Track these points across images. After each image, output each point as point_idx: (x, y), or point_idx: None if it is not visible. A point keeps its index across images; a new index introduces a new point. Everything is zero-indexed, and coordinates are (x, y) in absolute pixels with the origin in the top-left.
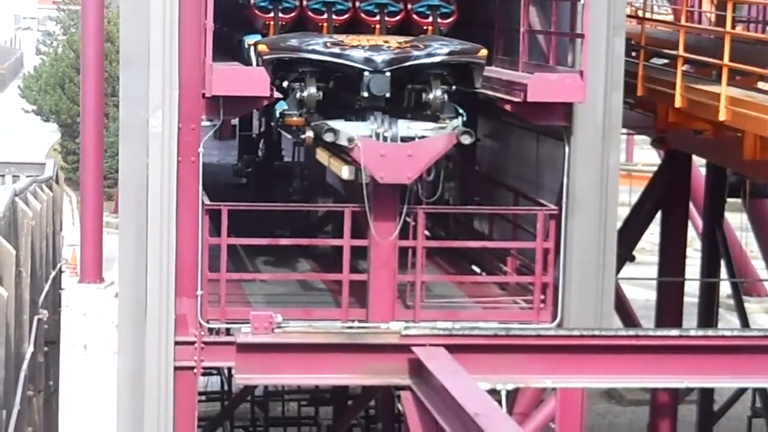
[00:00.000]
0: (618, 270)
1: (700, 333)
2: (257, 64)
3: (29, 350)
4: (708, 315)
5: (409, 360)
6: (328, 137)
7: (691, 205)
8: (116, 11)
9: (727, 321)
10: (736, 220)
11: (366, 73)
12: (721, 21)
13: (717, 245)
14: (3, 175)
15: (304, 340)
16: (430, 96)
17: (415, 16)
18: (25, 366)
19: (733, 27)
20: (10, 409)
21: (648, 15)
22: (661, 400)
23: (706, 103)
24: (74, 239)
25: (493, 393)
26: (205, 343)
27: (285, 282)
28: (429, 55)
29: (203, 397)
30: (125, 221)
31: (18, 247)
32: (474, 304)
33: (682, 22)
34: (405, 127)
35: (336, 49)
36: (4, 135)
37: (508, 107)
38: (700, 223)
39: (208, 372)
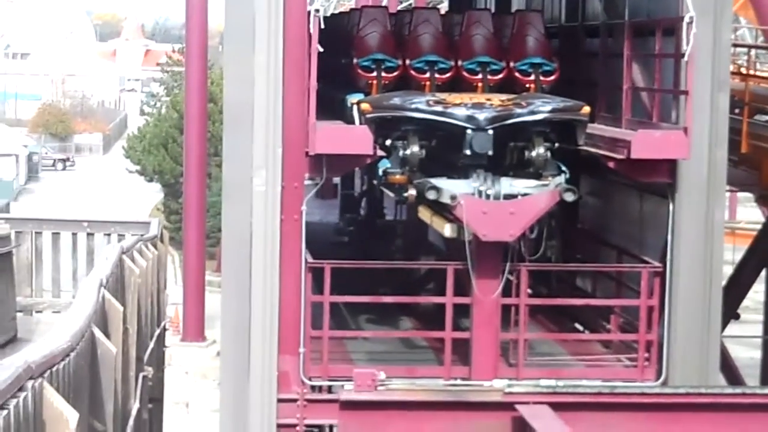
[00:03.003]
0: (723, 328)
1: None
2: (360, 123)
3: (135, 407)
4: None
5: (512, 418)
6: (431, 195)
7: None
8: (219, 72)
9: None
10: None
11: (468, 131)
12: None
13: None
14: (109, 234)
15: (407, 397)
16: (533, 153)
17: (517, 74)
18: (131, 422)
19: None
20: None
21: (752, 72)
22: None
23: None
24: (177, 298)
25: None
26: (308, 400)
27: (387, 339)
28: (532, 112)
29: None
30: (228, 279)
31: (125, 304)
32: (577, 361)
33: None
34: (508, 184)
35: (438, 108)
36: (109, 195)
37: (611, 164)
38: None
39: (310, 430)
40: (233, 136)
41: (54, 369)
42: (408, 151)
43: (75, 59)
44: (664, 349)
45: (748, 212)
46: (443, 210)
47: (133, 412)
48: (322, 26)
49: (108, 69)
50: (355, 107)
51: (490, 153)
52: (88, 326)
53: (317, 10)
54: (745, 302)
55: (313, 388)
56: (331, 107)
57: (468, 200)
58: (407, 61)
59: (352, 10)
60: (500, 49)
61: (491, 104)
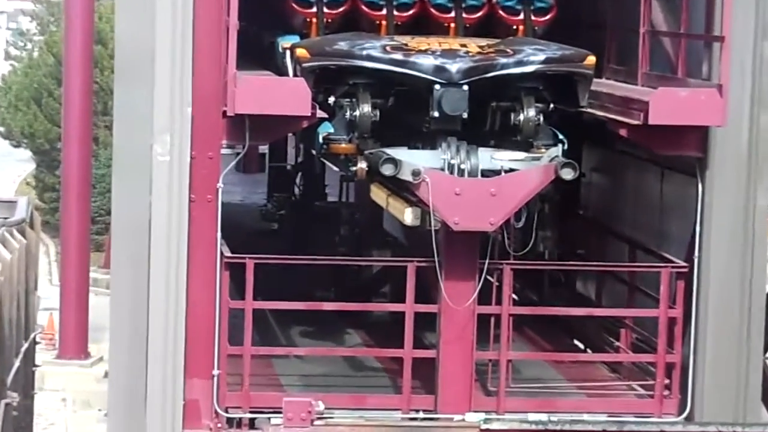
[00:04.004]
0: (766, 347)
1: None
2: (295, 74)
3: None
4: None
5: None
6: (387, 170)
7: None
8: (110, 4)
9: None
10: None
11: (437, 87)
12: None
13: None
14: None
15: None
16: (521, 117)
17: (501, 12)
18: None
19: None
20: None
21: None
22: None
23: None
24: (52, 302)
25: None
26: None
27: (328, 359)
28: (520, 63)
29: None
30: (119, 278)
31: None
32: (576, 389)
33: None
34: (487, 157)
35: (398, 55)
36: None
37: (623, 132)
38: None
39: None
40: (127, 90)
41: None
42: (357, 112)
43: None
44: (689, 375)
45: None
46: (403, 190)
47: None
48: None
49: None
50: (288, 53)
51: (465, 115)
52: None
53: None
54: None
55: (230, 422)
56: (258, 53)
57: (435, 177)
58: None
59: None
60: None
61: (467, 51)
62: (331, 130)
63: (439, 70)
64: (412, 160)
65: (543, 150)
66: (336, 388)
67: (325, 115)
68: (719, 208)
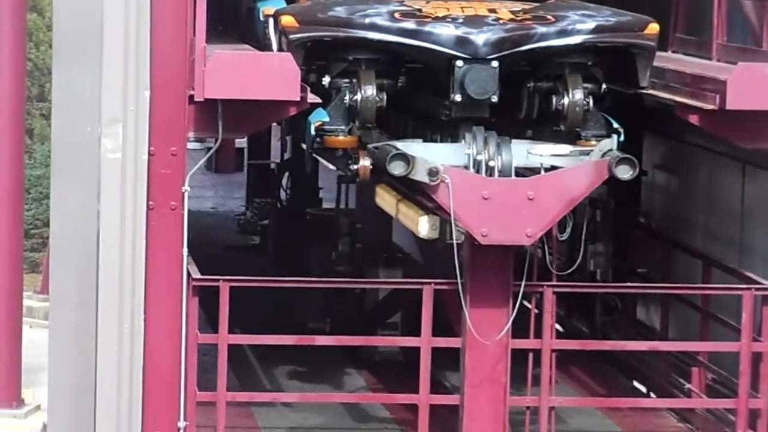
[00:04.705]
0: None
1: None
2: (280, 49)
3: None
4: None
5: None
6: (397, 168)
7: None
8: None
9: None
10: None
11: (459, 63)
12: None
13: None
14: None
15: None
16: (565, 101)
17: None
18: None
19: None
20: None
21: None
22: None
23: None
24: None
25: None
26: None
27: (324, 407)
28: (563, 32)
29: None
30: (60, 308)
31: None
32: None
33: None
34: (523, 151)
35: (410, 24)
36: None
37: (694, 119)
38: None
39: None
40: (69, 69)
41: None
42: (358, 97)
43: None
44: None
45: None
46: (416, 193)
47: None
48: None
49: None
50: (271, 22)
51: (495, 99)
52: None
53: None
54: None
55: None
56: (234, 21)
57: (457, 177)
58: None
59: None
60: None
61: (497, 18)
62: (326, 119)
63: (462, 42)
64: (428, 155)
65: (593, 142)
66: None
67: (319, 100)
68: None
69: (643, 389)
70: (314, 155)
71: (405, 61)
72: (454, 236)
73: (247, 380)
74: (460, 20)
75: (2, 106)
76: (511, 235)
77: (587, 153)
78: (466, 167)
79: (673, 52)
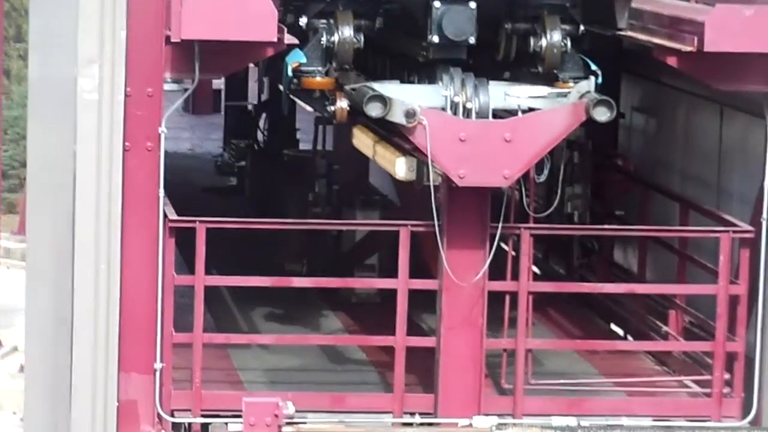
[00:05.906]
0: None
1: None
2: None
3: None
4: None
5: None
6: (374, 109)
7: None
8: None
9: None
10: None
11: (437, 4)
12: None
13: None
14: None
15: None
16: (543, 43)
17: None
18: None
19: None
20: None
21: None
22: None
23: None
24: None
25: None
26: None
27: (300, 349)
28: None
29: None
30: (37, 249)
31: None
32: (613, 387)
33: None
34: (501, 93)
35: None
36: None
37: (672, 61)
38: None
39: None
40: (46, 10)
41: None
42: (336, 37)
43: None
44: (754, 367)
45: None
46: (394, 135)
47: None
48: None
49: None
50: None
51: (472, 41)
52: None
53: None
54: None
55: (176, 427)
56: None
57: (435, 119)
58: None
59: None
60: None
61: None
62: (304, 60)
63: None
64: (405, 97)
65: (571, 84)
66: (310, 385)
67: (296, 41)
68: None
69: (620, 332)
70: (291, 96)
71: (382, 2)
72: (431, 178)
73: (224, 322)
74: None
75: None
76: (488, 177)
77: (565, 95)
78: (444, 109)
79: None
